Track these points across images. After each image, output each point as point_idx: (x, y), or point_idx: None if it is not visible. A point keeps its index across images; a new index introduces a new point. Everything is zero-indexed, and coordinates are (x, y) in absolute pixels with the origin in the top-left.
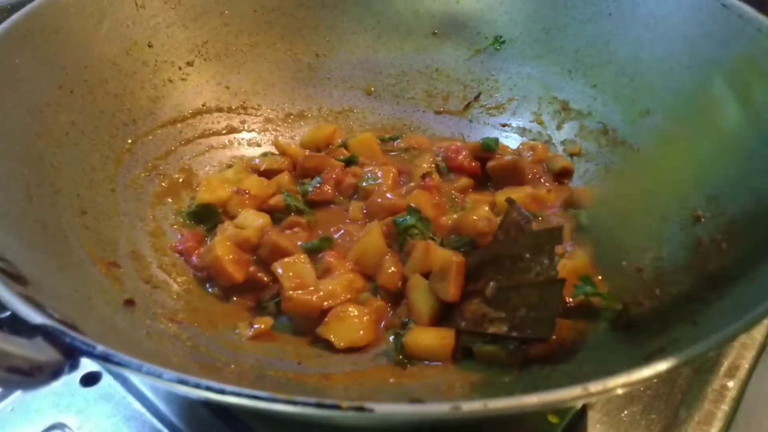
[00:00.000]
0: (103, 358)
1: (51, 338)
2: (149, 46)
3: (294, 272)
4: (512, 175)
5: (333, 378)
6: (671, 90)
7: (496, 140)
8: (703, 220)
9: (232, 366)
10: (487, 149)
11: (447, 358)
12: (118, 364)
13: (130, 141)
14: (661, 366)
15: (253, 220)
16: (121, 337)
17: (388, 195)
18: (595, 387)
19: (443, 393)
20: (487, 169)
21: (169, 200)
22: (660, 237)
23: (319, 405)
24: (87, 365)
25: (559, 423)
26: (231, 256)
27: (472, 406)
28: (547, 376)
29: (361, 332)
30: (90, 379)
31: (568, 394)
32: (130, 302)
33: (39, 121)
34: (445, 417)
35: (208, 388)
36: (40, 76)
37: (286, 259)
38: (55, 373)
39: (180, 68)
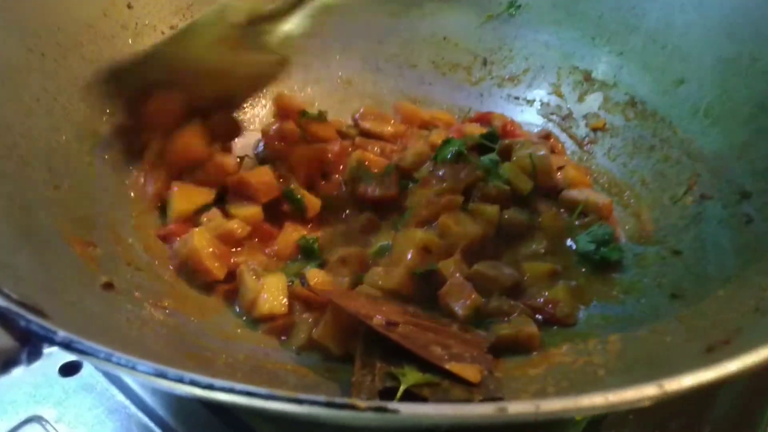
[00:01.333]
0: (65, 346)
1: (4, 322)
2: (129, 7)
3: None
4: None
5: (338, 370)
6: (708, 56)
7: (494, 132)
8: (753, 196)
9: (224, 356)
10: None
11: None
12: (83, 352)
13: (108, 111)
14: (750, 358)
15: (244, 209)
16: (95, 323)
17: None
18: (670, 385)
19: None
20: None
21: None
22: (699, 216)
23: (329, 404)
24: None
25: (582, 419)
26: (210, 250)
27: (521, 408)
28: (580, 369)
29: None
30: (70, 369)
31: (639, 393)
32: (108, 285)
33: (6, 86)
34: (487, 421)
35: (193, 383)
36: (8, 37)
37: None
38: (7, 362)
39: (163, 33)
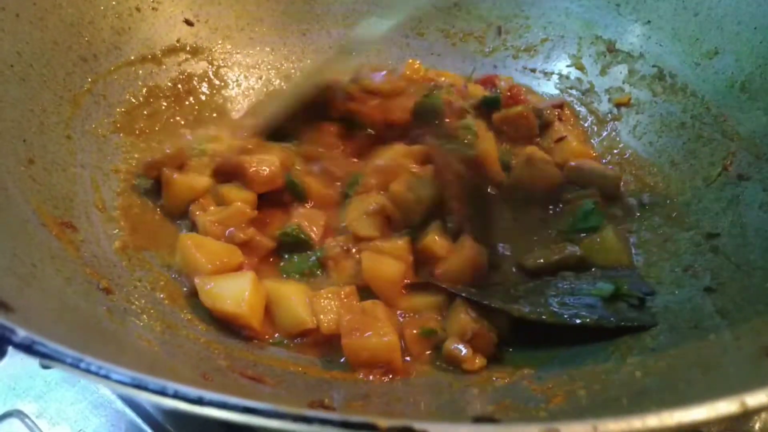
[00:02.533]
0: (26, 348)
1: None
2: None
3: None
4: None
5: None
6: (747, 24)
7: (497, 98)
8: None
9: (215, 351)
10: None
11: None
12: (47, 356)
13: (90, 80)
14: None
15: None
16: (72, 315)
17: None
18: (753, 399)
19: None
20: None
21: (137, 155)
22: (737, 199)
23: (346, 424)
24: None
25: None
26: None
27: (575, 429)
28: (612, 369)
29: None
30: None
31: (714, 411)
32: (89, 272)
33: None
34: None
35: (178, 396)
36: None
37: None
38: None
39: None
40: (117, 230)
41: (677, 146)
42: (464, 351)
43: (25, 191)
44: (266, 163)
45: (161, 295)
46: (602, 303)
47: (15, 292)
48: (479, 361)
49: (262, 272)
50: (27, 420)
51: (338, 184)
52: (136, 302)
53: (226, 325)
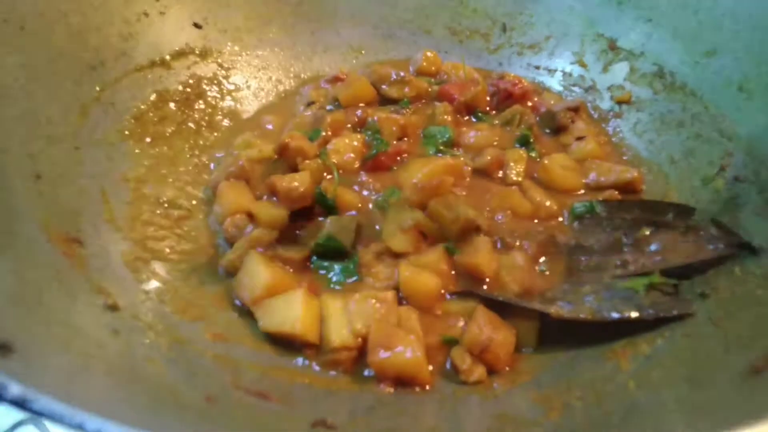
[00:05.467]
0: (20, 405)
1: None
2: None
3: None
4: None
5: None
6: (745, 24)
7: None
8: None
9: (222, 366)
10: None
11: None
12: (43, 415)
13: (98, 88)
14: None
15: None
16: (76, 342)
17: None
18: None
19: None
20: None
21: (146, 163)
22: (733, 201)
23: None
24: None
25: None
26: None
27: None
28: (608, 377)
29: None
30: None
31: None
32: (96, 288)
33: None
34: None
35: None
36: None
37: None
38: None
39: None
40: (125, 241)
41: (676, 144)
42: (466, 363)
43: (32, 208)
44: (297, 181)
45: (168, 309)
46: (637, 295)
47: (18, 326)
48: (478, 374)
49: (305, 282)
50: (43, 427)
51: (370, 194)
52: (143, 317)
53: (285, 343)
